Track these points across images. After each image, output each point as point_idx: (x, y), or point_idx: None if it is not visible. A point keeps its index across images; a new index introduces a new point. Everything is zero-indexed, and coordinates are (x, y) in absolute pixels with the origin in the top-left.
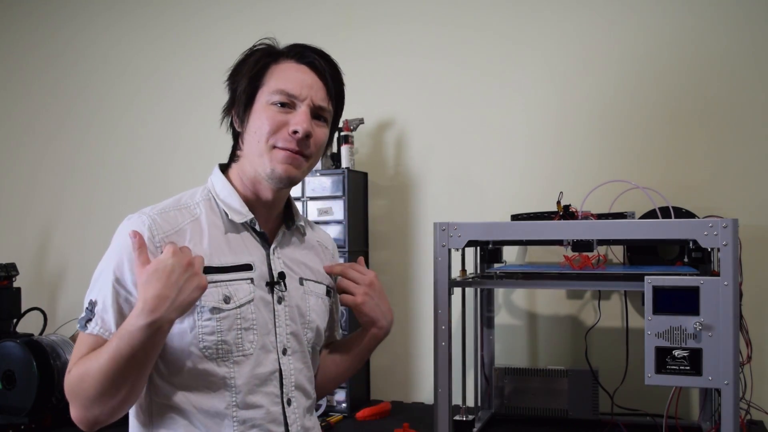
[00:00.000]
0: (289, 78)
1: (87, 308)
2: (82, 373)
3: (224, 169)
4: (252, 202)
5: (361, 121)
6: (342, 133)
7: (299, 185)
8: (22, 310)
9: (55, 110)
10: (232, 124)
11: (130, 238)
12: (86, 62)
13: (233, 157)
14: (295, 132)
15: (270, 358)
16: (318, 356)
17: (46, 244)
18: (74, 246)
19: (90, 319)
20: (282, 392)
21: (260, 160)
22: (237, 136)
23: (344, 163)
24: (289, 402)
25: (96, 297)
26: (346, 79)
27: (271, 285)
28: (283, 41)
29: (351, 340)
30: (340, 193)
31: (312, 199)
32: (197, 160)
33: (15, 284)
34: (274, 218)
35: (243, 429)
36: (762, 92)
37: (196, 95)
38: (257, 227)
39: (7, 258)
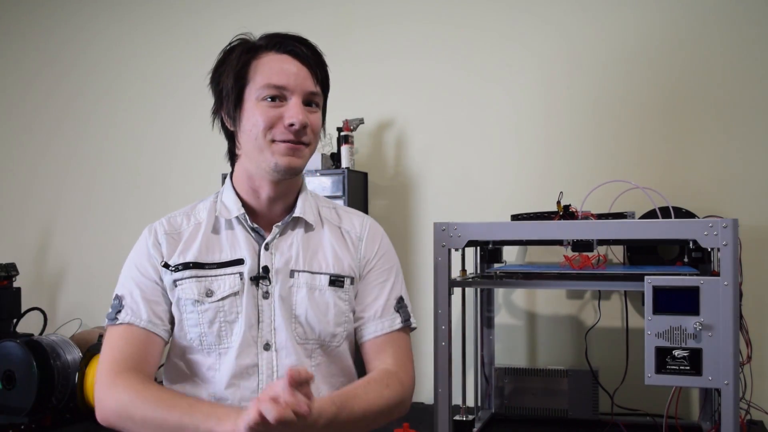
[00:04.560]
0: (274, 70)
1: (114, 302)
2: (134, 410)
3: (231, 172)
4: (253, 199)
5: (361, 121)
6: (342, 133)
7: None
8: (22, 310)
9: (55, 110)
10: (223, 125)
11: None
12: (86, 62)
13: (233, 157)
14: (292, 125)
15: (251, 352)
16: (342, 352)
17: (46, 244)
18: (74, 246)
19: (119, 311)
20: (258, 388)
21: (261, 156)
22: (231, 136)
23: (344, 163)
24: None
25: (122, 292)
26: (346, 79)
27: (256, 279)
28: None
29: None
30: (340, 193)
31: None
32: (198, 159)
33: (15, 284)
34: (281, 212)
35: None
36: (763, 92)
37: (197, 95)
38: (248, 222)
39: (7, 258)
